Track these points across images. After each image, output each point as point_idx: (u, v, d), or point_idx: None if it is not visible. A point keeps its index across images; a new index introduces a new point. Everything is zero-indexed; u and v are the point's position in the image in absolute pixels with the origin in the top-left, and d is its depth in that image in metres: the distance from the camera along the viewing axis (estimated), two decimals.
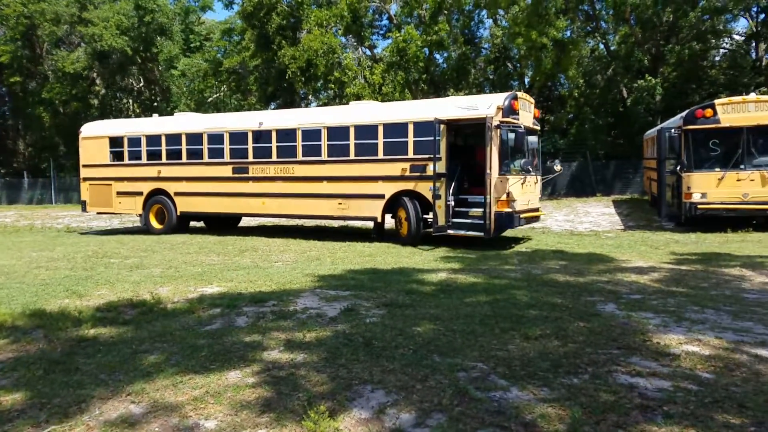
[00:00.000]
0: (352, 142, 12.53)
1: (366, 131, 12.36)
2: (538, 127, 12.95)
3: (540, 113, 13.60)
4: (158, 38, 35.55)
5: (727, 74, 27.77)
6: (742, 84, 25.22)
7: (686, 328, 5.48)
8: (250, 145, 13.82)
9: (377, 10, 31.73)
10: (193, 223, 16.85)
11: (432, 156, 11.26)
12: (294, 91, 29.01)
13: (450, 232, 11.50)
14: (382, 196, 12.19)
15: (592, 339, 5.18)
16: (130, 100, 39.31)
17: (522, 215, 11.44)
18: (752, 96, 13.54)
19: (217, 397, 4.07)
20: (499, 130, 10.85)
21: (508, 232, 13.42)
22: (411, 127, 11.79)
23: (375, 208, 12.32)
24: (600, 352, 4.85)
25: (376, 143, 12.20)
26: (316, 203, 13.02)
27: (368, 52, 32.08)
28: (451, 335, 5.37)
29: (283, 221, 18.36)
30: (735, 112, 12.67)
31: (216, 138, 14.39)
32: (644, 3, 24.25)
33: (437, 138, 11.21)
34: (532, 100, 12.68)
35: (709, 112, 12.82)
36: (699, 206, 12.71)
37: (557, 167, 12.71)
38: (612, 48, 29.29)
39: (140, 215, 15.77)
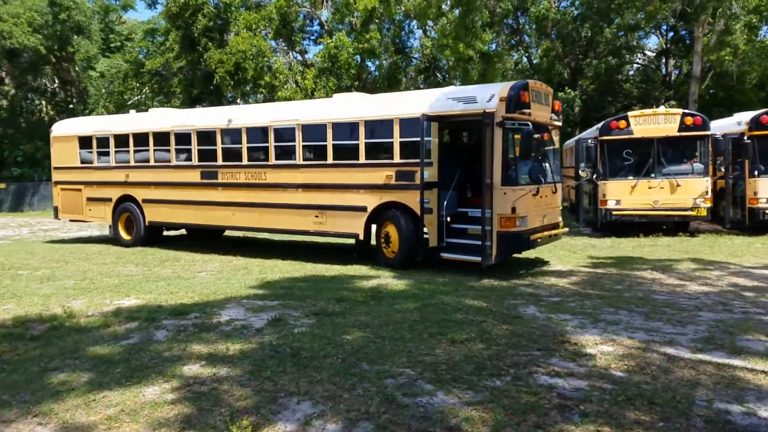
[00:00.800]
0: (329, 143, 10.12)
1: (345, 130, 10.04)
2: (559, 123, 10.32)
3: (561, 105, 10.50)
4: (75, 37, 33.63)
5: (640, 88, 29.68)
6: (654, 97, 27.05)
7: (602, 329, 5.76)
8: (219, 146, 11.54)
9: (308, 15, 31.57)
10: (175, 233, 14.92)
11: (417, 160, 9.04)
12: (221, 94, 28.27)
13: (444, 256, 9.07)
14: (363, 209, 9.74)
15: (514, 341, 5.34)
16: (44, 102, 36.94)
17: (535, 235, 8.91)
18: (662, 109, 14.51)
19: (133, 416, 3.86)
20: (502, 129, 8.40)
21: None
22: (396, 125, 9.35)
23: (356, 223, 9.85)
24: (521, 353, 5.00)
25: (357, 145, 9.81)
26: (289, 216, 10.63)
27: (299, 57, 31.83)
28: (381, 342, 5.37)
29: (278, 235, 15.40)
30: (646, 123, 13.51)
31: (184, 137, 12.12)
32: (564, 19, 25.52)
33: (426, 138, 8.90)
34: (550, 90, 10.02)
35: (623, 123, 13.59)
36: (614, 212, 13.42)
37: (583, 173, 11.84)
38: (534, 61, 30.59)
39: (111, 225, 13.64)
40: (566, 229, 10.60)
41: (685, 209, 13.29)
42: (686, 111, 14.40)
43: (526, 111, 8.60)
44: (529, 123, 8.42)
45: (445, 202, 9.05)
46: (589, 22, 25.90)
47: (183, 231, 14.61)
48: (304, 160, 10.51)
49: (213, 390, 4.27)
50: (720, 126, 14.77)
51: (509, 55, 29.34)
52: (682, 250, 11.40)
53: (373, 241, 10.42)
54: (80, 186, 13.94)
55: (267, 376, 4.51)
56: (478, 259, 8.56)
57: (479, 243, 8.57)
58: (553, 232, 9.70)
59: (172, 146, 12.24)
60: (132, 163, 12.97)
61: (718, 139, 13.36)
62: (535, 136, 8.63)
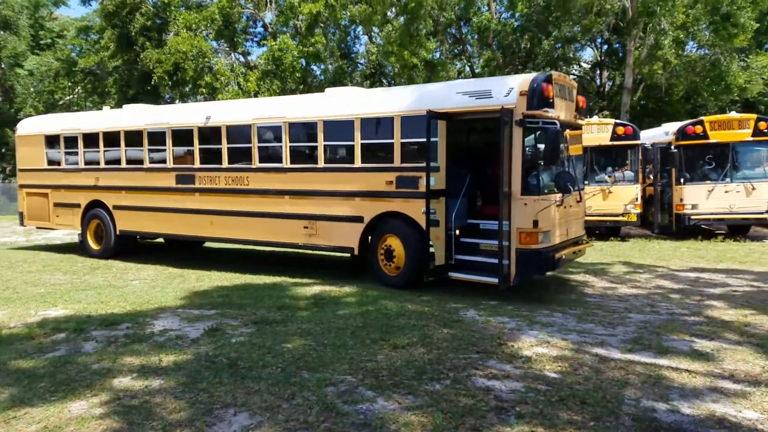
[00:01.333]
0: (320, 143, 8.85)
1: (339, 129, 8.77)
2: (583, 122, 9.00)
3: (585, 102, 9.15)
4: (1, 33, 31.78)
5: None
6: (588, 107, 28.16)
7: (537, 330, 5.92)
8: (197, 147, 10.21)
9: (251, 16, 31.09)
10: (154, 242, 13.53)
11: (424, 164, 7.72)
12: (159, 95, 27.39)
13: (453, 276, 7.76)
14: (359, 219, 8.51)
15: (454, 345, 5.41)
16: None
17: (561, 253, 7.50)
18: (595, 119, 15.16)
19: None
20: (523, 128, 7.14)
21: None
22: (398, 124, 8.13)
23: (351, 235, 8.59)
24: (461, 356, 5.07)
25: (352, 146, 8.56)
26: (275, 225, 9.35)
27: (242, 59, 31.27)
28: (322, 350, 5.32)
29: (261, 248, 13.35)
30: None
31: (158, 137, 10.75)
32: (505, 30, 26.22)
33: (431, 139, 7.64)
34: (575, 84, 8.65)
35: None
36: None
37: (610, 177, 11.00)
38: (477, 70, 31.30)
39: (79, 233, 12.26)
40: (592, 245, 9.40)
41: (617, 215, 13.91)
42: (618, 121, 15.09)
43: (550, 108, 7.32)
44: (557, 122, 7.12)
45: (454, 213, 7.77)
46: (528, 34, 26.75)
47: (161, 240, 13.15)
48: (291, 163, 9.20)
49: (145, 403, 4.10)
50: (649, 136, 15.57)
51: (452, 64, 29.87)
52: (614, 254, 11.91)
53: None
54: (47, 190, 12.50)
55: (202, 388, 4.38)
56: (494, 280, 7.24)
57: (494, 261, 7.31)
58: (578, 248, 8.35)
59: (146, 146, 10.88)
60: (102, 166, 11.59)
61: (647, 148, 14.07)
62: (560, 137, 7.35)
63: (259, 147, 9.53)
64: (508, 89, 7.33)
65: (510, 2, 25.24)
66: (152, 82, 26.14)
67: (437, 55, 27.97)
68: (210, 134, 10.16)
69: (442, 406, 4.01)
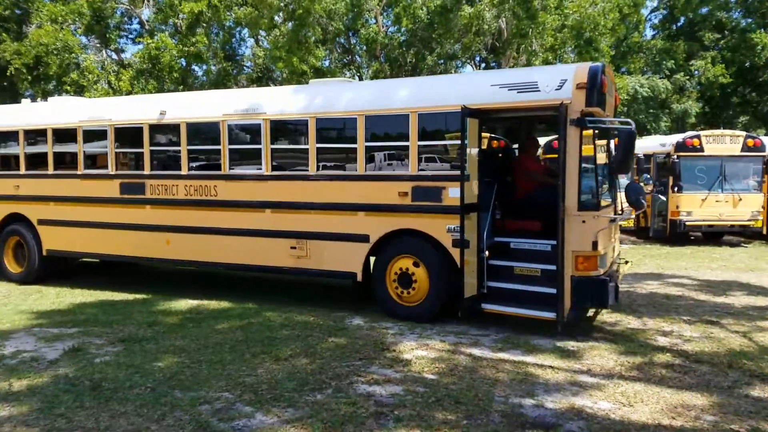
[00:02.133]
0: (311, 146, 7.24)
1: (336, 128, 7.36)
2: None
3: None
4: None
5: None
6: None
7: (418, 334, 6.10)
8: (147, 149, 8.33)
9: (126, 12, 29.17)
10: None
11: (450, 172, 6.54)
12: (17, 91, 24.79)
13: (487, 308, 6.39)
14: (364, 238, 6.98)
15: (338, 353, 5.41)
16: None
17: (617, 281, 6.51)
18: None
19: None
20: (580, 129, 5.95)
21: None
22: (414, 122, 6.68)
23: (352, 258, 7.05)
24: (344, 365, 5.08)
25: (355, 149, 7.03)
26: (253, 245, 7.61)
27: (115, 56, 29.21)
28: (197, 367, 5.08)
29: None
30: None
31: (96, 136, 8.82)
32: (392, 44, 26.93)
33: (465, 142, 6.23)
34: (614, 78, 7.58)
35: (494, 143, 14.39)
36: None
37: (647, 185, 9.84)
38: (365, 80, 31.86)
39: None
40: (631, 265, 7.96)
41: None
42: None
43: (604, 105, 6.31)
44: (632, 122, 6.09)
45: (486, 232, 6.51)
46: (413, 49, 27.70)
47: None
48: (274, 169, 7.51)
49: None
50: (643, 146, 15.36)
51: (342, 73, 30.12)
52: None
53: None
54: None
55: (60, 413, 3.99)
56: (550, 315, 5.93)
57: (538, 289, 6.20)
58: (623, 271, 7.33)
59: (80, 148, 8.85)
60: (23, 171, 9.41)
61: (639, 158, 14.93)
62: (610, 138, 6.45)
63: (230, 150, 7.78)
64: (559, 81, 6.06)
65: (396, 17, 25.95)
66: (7, 74, 23.62)
67: (326, 63, 28.05)
68: (165, 133, 8.44)
69: (323, 416, 3.98)
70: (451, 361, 5.19)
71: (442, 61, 29.11)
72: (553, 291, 5.93)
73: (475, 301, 6.39)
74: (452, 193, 6.41)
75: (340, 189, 7.20)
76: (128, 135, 8.63)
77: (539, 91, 6.15)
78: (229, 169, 7.79)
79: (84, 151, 8.88)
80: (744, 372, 4.90)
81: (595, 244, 5.98)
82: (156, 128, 8.37)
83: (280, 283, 9.27)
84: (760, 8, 29.08)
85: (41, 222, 9.20)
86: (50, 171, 9.13)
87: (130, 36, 30.77)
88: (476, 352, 5.52)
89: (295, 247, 7.41)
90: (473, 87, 6.79)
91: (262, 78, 30.31)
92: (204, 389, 4.53)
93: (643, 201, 6.63)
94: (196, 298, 8.00)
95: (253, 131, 7.75)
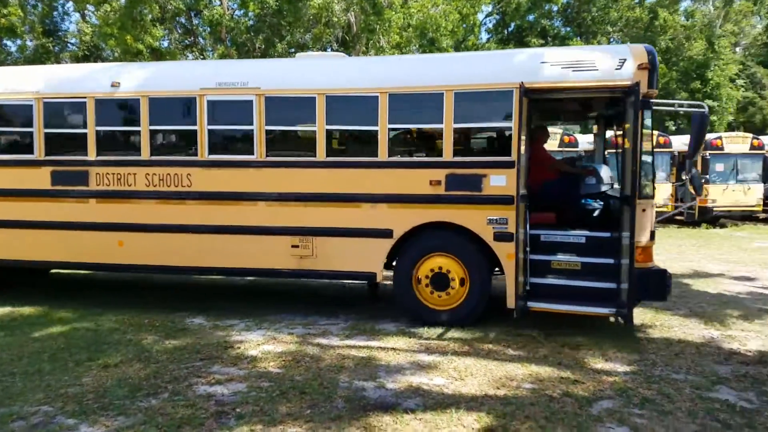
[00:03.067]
0: (320, 127, 6.24)
1: (352, 107, 6.34)
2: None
3: None
4: None
5: None
6: None
7: (265, 329, 6.00)
8: (92, 129, 6.75)
9: None
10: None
11: (493, 159, 6.03)
12: None
13: (535, 307, 5.83)
14: (386, 233, 6.17)
15: (176, 355, 5.13)
16: None
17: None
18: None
19: None
20: (643, 111, 5.52)
21: None
22: (449, 102, 5.95)
23: (370, 256, 6.24)
24: (183, 366, 4.84)
25: (376, 132, 6.13)
26: (241, 245, 6.52)
27: None
28: (9, 380, 4.51)
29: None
30: None
31: (18, 112, 7.07)
32: (239, 28, 25.95)
33: (519, 124, 5.72)
34: None
35: None
36: None
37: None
38: None
39: None
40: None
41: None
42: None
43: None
44: (705, 105, 5.80)
45: (527, 224, 5.90)
46: (262, 35, 26.97)
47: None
48: (269, 154, 6.41)
49: None
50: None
51: (183, 55, 28.36)
52: None
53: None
54: None
55: None
56: (608, 310, 5.66)
57: (582, 284, 5.85)
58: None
59: None
60: None
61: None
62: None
63: (210, 131, 6.55)
64: (618, 61, 5.69)
65: (242, 0, 25.06)
66: None
67: (165, 43, 26.21)
68: (118, 110, 6.91)
69: (158, 421, 3.76)
70: (299, 353, 5.19)
71: (292, 49, 28.75)
72: (606, 285, 5.71)
73: (522, 299, 5.80)
74: (494, 181, 5.89)
75: (356, 177, 6.25)
76: (63, 111, 7.01)
77: (597, 70, 5.74)
78: (209, 154, 6.53)
79: (2, 131, 7.17)
80: (558, 342, 5.55)
81: (653, 234, 5.79)
82: (105, 103, 6.78)
83: (115, 282, 8.54)
84: (577, 19, 32.93)
85: None
86: None
87: None
88: (324, 341, 5.58)
89: (297, 246, 6.37)
90: (522, 64, 6.07)
91: (89, 57, 27.45)
92: (18, 404, 4.04)
93: (700, 190, 6.40)
94: (9, 305, 7.05)
95: (241, 109, 6.46)
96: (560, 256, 6.02)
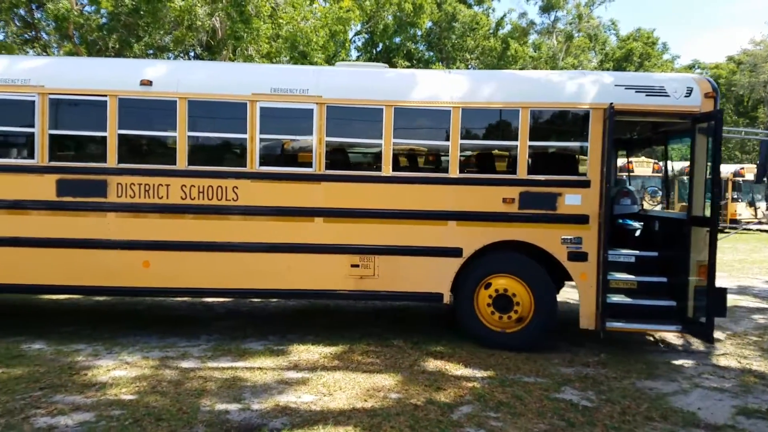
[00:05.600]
0: (386, 140, 5.93)
1: (421, 121, 6.16)
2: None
3: None
4: None
5: None
6: None
7: (116, 353, 5.52)
8: (114, 131, 5.82)
9: None
10: None
11: (568, 177, 5.95)
12: None
13: (611, 326, 5.77)
14: (455, 252, 5.97)
15: (10, 385, 4.54)
16: None
17: None
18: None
19: None
20: (714, 138, 5.67)
21: None
22: (525, 119, 5.90)
23: (438, 276, 5.99)
24: (18, 398, 4.29)
25: (446, 147, 5.97)
26: (294, 265, 5.96)
27: None
28: None
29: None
30: None
31: (20, 109, 5.82)
32: (89, 25, 23.89)
33: (606, 146, 5.76)
34: None
35: None
36: None
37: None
38: None
39: None
40: None
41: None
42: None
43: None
44: None
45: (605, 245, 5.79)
46: (116, 34, 25.08)
47: None
48: (329, 167, 5.96)
49: None
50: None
51: (23, 50, 25.44)
52: None
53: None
54: None
55: None
56: (671, 328, 5.84)
57: (640, 302, 5.93)
58: None
59: None
60: None
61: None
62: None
63: (262, 140, 5.93)
64: (686, 89, 5.94)
65: None
66: None
67: (1, 36, 23.35)
68: (148, 111, 5.98)
69: None
70: (155, 378, 4.83)
71: (150, 51, 27.12)
72: (665, 303, 5.89)
73: (599, 318, 5.79)
74: (569, 200, 5.87)
75: (424, 194, 5.99)
76: (75, 110, 6.00)
77: (668, 96, 5.93)
78: (259, 165, 5.91)
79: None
80: (422, 351, 5.77)
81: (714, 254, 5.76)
82: (131, 103, 5.89)
83: None
84: (439, 44, 34.93)
85: None
86: None
87: None
88: (184, 364, 5.25)
89: (357, 265, 5.98)
90: (597, 86, 6.07)
91: None
92: None
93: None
94: None
95: (299, 118, 5.96)
96: (617, 275, 6.15)
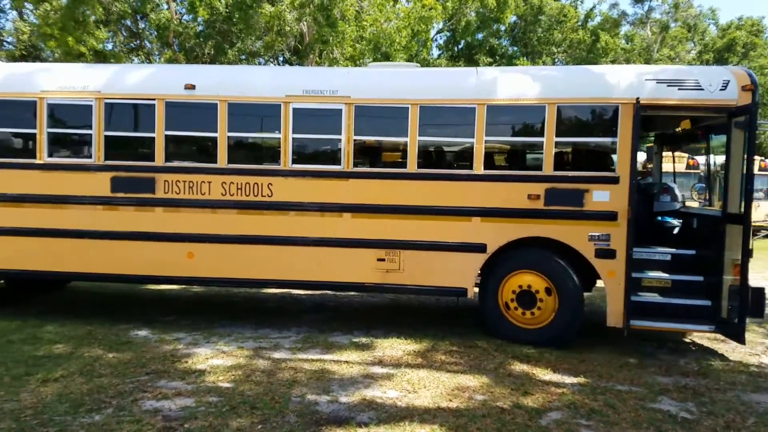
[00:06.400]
0: (412, 138, 6.10)
1: (446, 118, 6.31)
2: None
3: None
4: None
5: None
6: None
7: (213, 343, 5.85)
8: (161, 133, 6.37)
9: None
10: None
11: (596, 174, 5.93)
12: None
13: (636, 325, 5.79)
14: (479, 248, 6.08)
15: (121, 369, 4.93)
16: None
17: None
18: None
19: None
20: (751, 133, 5.54)
21: None
22: (552, 115, 5.91)
23: (462, 271, 6.14)
24: (128, 381, 4.65)
25: (471, 144, 6.08)
26: (324, 258, 6.30)
27: None
28: None
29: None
30: None
31: (71, 113, 6.55)
32: (187, 33, 25.43)
33: (635, 142, 5.77)
34: None
35: None
36: None
37: None
38: None
39: None
40: None
41: None
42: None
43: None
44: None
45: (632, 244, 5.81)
46: (212, 41, 26.52)
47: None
48: (356, 165, 6.25)
49: None
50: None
51: (129, 58, 27.52)
52: None
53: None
54: None
55: None
56: (704, 328, 5.75)
57: (673, 301, 5.89)
58: None
59: (42, 128, 6.45)
60: None
61: None
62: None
63: (294, 140, 6.30)
64: (722, 81, 5.77)
65: (191, 5, 24.59)
66: None
67: (110, 46, 25.38)
68: (191, 114, 6.51)
69: None
70: (249, 367, 5.09)
71: (243, 56, 28.42)
72: (700, 302, 5.82)
73: (625, 317, 5.75)
74: (597, 197, 5.84)
75: (450, 190, 6.11)
76: (127, 114, 6.57)
77: (703, 89, 5.78)
78: (292, 163, 6.28)
79: (48, 133, 6.50)
80: (507, 354, 5.67)
81: (750, 252, 5.59)
82: (177, 106, 6.42)
83: (50, 292, 8.12)
84: (523, 38, 34.09)
85: None
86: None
87: None
88: (275, 355, 5.49)
89: (383, 259, 6.22)
90: (627, 79, 5.99)
91: (27, 57, 26.28)
92: None
93: None
94: None
95: (329, 118, 6.26)
96: (649, 274, 6.07)
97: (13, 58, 26.20)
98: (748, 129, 5.46)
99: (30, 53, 26.20)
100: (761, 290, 5.57)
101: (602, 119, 6.00)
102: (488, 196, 6.04)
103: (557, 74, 6.83)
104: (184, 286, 8.74)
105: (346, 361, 5.33)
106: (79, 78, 6.62)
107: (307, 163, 6.34)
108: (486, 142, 6.04)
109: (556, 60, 34.23)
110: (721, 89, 5.74)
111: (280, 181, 6.31)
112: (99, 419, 3.90)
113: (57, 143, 6.61)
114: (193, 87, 6.43)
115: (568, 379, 4.99)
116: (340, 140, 6.21)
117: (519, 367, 5.30)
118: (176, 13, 25.64)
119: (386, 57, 24.75)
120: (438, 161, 6.50)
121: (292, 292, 8.67)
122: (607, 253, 5.82)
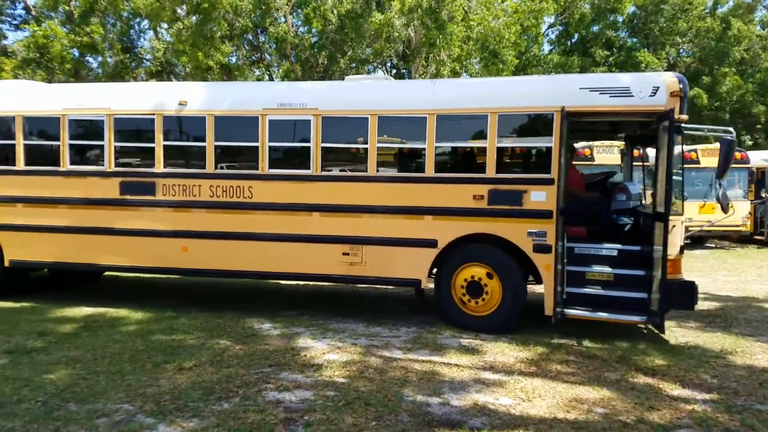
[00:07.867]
0: (372, 144, 6.82)
1: (402, 127, 6.97)
2: None
3: None
4: None
5: None
6: None
7: (329, 338, 6.10)
8: (159, 143, 7.36)
9: None
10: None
11: (534, 176, 6.49)
12: None
13: (571, 313, 6.32)
14: (431, 243, 6.70)
15: (246, 361, 5.29)
16: None
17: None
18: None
19: None
20: (679, 137, 6.06)
21: None
22: (493, 123, 6.48)
23: (416, 264, 6.77)
24: (252, 372, 4.98)
25: (423, 149, 6.72)
26: (296, 252, 7.04)
27: None
28: (94, 378, 4.77)
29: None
30: None
31: (88, 127, 7.64)
32: (303, 44, 26.71)
33: (561, 146, 6.28)
34: None
35: None
36: None
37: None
38: (276, 79, 31.31)
39: None
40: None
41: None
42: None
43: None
44: (732, 130, 6.35)
45: (565, 238, 6.40)
46: (325, 51, 27.63)
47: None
48: (324, 168, 7.02)
49: None
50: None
51: (251, 71, 29.45)
52: None
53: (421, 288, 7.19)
54: None
55: None
56: (639, 318, 6.15)
57: (615, 294, 6.33)
58: None
59: (64, 140, 7.55)
60: None
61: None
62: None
63: (270, 148, 7.10)
64: (652, 88, 6.17)
65: (306, 17, 25.78)
66: None
67: (233, 59, 27.29)
68: (184, 127, 7.51)
69: (230, 425, 3.88)
70: (362, 364, 5.24)
71: (354, 64, 29.26)
72: (637, 295, 6.22)
73: (558, 307, 6.29)
74: (535, 197, 6.40)
75: (404, 191, 6.81)
76: (132, 127, 7.62)
77: (633, 96, 6.22)
78: (269, 168, 7.09)
79: (69, 145, 7.58)
80: (630, 366, 5.35)
81: (682, 249, 6.28)
82: (172, 120, 7.41)
83: (187, 287, 8.90)
84: (644, 29, 31.93)
85: (4, 228, 7.80)
86: (20, 167, 7.71)
87: (14, 22, 28.25)
88: (387, 353, 5.61)
89: (348, 254, 6.94)
90: (561, 89, 6.57)
91: (162, 72, 28.97)
92: (101, 401, 4.27)
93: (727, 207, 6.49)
94: (91, 306, 7.50)
95: (300, 128, 7.08)
96: (594, 268, 6.53)
97: (151, 74, 29.06)
98: (668, 132, 5.92)
99: (164, 69, 28.89)
100: (691, 284, 6.10)
101: (536, 126, 6.59)
102: (438, 197, 6.68)
103: (497, 85, 7.61)
104: (299, 282, 9.19)
105: (456, 365, 5.31)
106: (93, 97, 7.72)
107: (281, 168, 7.11)
108: (436, 148, 6.70)
109: (681, 51, 31.70)
110: (650, 95, 6.15)
111: (259, 184, 7.13)
112: (228, 407, 4.22)
113: (77, 153, 7.65)
114: (185, 103, 7.38)
115: (699, 395, 4.61)
116: (309, 148, 6.97)
117: (643, 379, 4.98)
118: (292, 26, 27.01)
119: (494, 55, 24.30)
120: (395, 165, 7.12)
121: (400, 293, 8.79)
122: (544, 248, 6.35)
